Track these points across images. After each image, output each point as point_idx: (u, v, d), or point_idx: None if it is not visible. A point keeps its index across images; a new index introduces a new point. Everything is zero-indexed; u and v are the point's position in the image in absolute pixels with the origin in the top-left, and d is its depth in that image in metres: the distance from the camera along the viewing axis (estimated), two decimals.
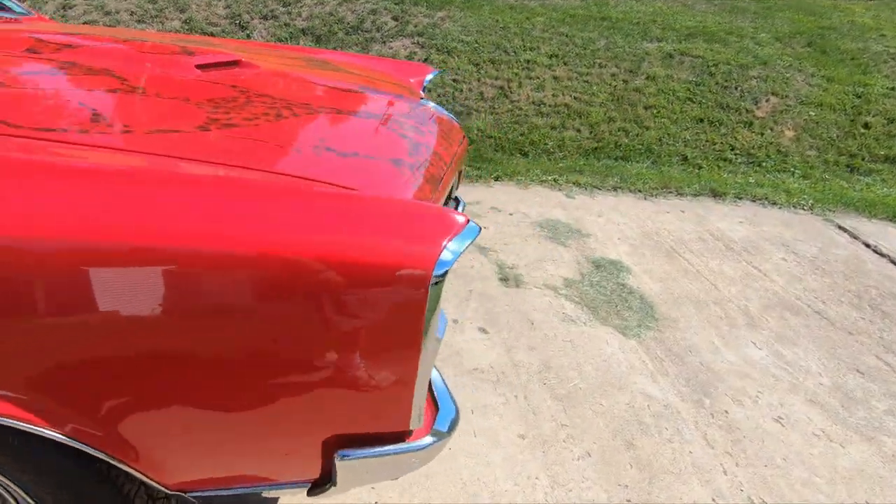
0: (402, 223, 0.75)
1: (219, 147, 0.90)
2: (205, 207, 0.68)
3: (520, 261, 2.81)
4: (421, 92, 2.11)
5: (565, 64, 5.46)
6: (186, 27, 5.40)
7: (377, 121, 1.26)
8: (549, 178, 4.05)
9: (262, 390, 0.74)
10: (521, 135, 4.74)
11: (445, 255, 0.72)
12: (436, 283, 0.71)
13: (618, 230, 3.30)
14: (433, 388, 1.02)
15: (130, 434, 0.78)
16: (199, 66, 1.40)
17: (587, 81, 5.31)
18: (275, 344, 0.70)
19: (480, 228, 0.83)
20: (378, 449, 0.84)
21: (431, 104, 1.62)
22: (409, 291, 0.70)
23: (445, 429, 0.91)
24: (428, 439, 0.87)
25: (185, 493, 0.88)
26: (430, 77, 2.39)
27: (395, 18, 5.75)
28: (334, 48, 5.40)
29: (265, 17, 5.60)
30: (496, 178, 3.99)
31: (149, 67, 1.31)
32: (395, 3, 5.91)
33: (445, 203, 1.72)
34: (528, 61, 5.41)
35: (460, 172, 1.69)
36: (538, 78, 5.26)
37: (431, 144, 1.30)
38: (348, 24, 5.65)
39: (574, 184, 4.01)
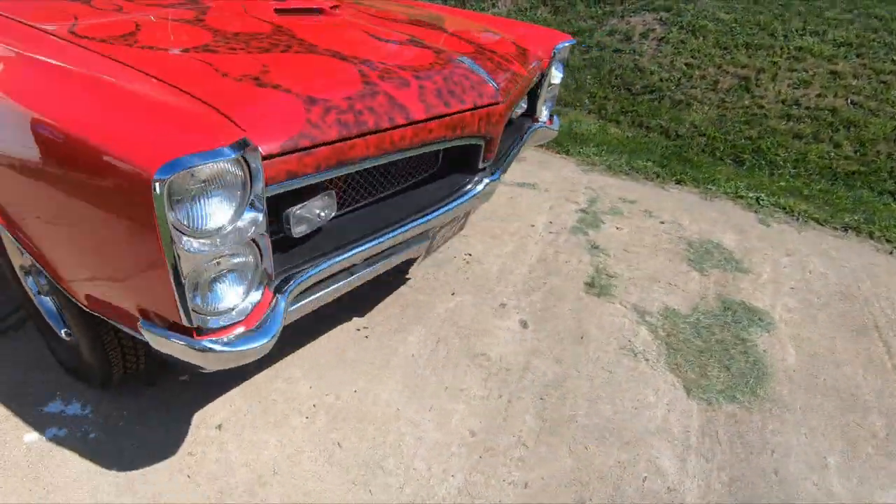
0: (167, 126, 0.83)
1: (167, 63, 1.11)
2: (74, 92, 0.92)
3: (627, 272, 2.41)
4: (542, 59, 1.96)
5: (858, 56, 4.08)
6: None
7: (359, 66, 1.30)
8: (752, 195, 3.22)
9: (79, 239, 0.96)
10: (748, 139, 3.84)
11: (181, 162, 0.77)
12: (165, 185, 0.78)
13: (801, 278, 2.47)
14: (275, 312, 1.08)
15: (54, 259, 1.10)
16: (277, 10, 1.66)
17: (885, 82, 3.88)
18: (63, 201, 0.91)
19: (242, 148, 0.83)
20: (158, 329, 0.97)
21: (469, 65, 1.53)
22: (138, 186, 0.78)
23: (233, 347, 0.98)
24: (204, 343, 0.96)
25: (98, 315, 1.17)
26: (560, 45, 2.21)
27: None
28: (569, 20, 5.25)
29: None
30: (678, 182, 3.39)
31: (232, 7, 1.62)
32: None
33: (459, 169, 1.63)
34: (799, 49, 4.25)
35: (488, 138, 1.56)
36: (805, 71, 4.09)
37: (402, 98, 1.26)
38: None
39: (784, 210, 3.10)
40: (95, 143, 0.83)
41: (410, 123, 1.26)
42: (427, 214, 1.44)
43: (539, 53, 2.17)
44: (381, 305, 2.06)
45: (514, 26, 2.28)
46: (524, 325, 2.04)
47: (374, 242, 1.31)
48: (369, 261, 1.41)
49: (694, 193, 3.29)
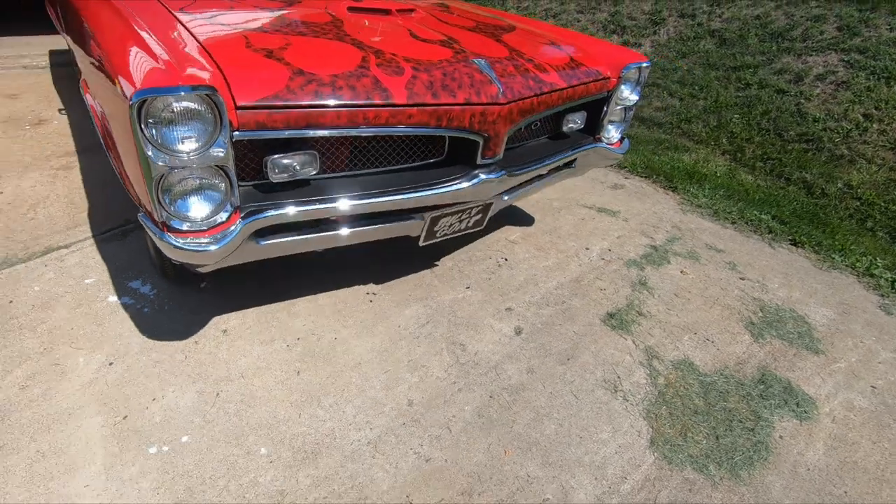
0: (163, 69, 1.15)
1: (216, 32, 1.47)
2: (132, 41, 1.32)
3: (662, 315, 2.21)
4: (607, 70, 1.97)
5: None
6: (610, 18, 5.92)
7: (367, 54, 1.52)
8: (889, 276, 2.64)
9: (120, 141, 1.36)
10: None
11: (149, 93, 1.08)
12: (137, 107, 1.10)
13: (895, 380, 1.98)
14: (231, 231, 1.36)
15: (117, 156, 1.54)
16: (349, 8, 1.98)
17: None
18: (115, 118, 1.30)
19: (197, 91, 1.10)
20: (146, 219, 1.32)
21: (480, 66, 1.64)
22: (126, 101, 1.12)
23: (187, 247, 1.28)
24: (166, 236, 1.27)
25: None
26: (631, 65, 2.16)
27: (840, 28, 4.48)
28: (734, 54, 4.78)
29: (682, 15, 5.45)
30: (793, 242, 2.93)
31: (317, 3, 1.98)
32: (858, 10, 4.54)
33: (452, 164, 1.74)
34: None
35: (486, 136, 1.65)
36: None
37: (387, 83, 1.45)
38: (770, 30, 4.81)
39: None
40: (121, 70, 1.20)
41: (387, 105, 1.44)
42: (397, 193, 1.60)
43: (606, 72, 2.15)
44: (397, 280, 2.26)
45: (594, 44, 2.28)
46: (518, 331, 2.05)
47: (336, 203, 1.51)
48: (348, 224, 1.63)
49: (807, 259, 2.80)
